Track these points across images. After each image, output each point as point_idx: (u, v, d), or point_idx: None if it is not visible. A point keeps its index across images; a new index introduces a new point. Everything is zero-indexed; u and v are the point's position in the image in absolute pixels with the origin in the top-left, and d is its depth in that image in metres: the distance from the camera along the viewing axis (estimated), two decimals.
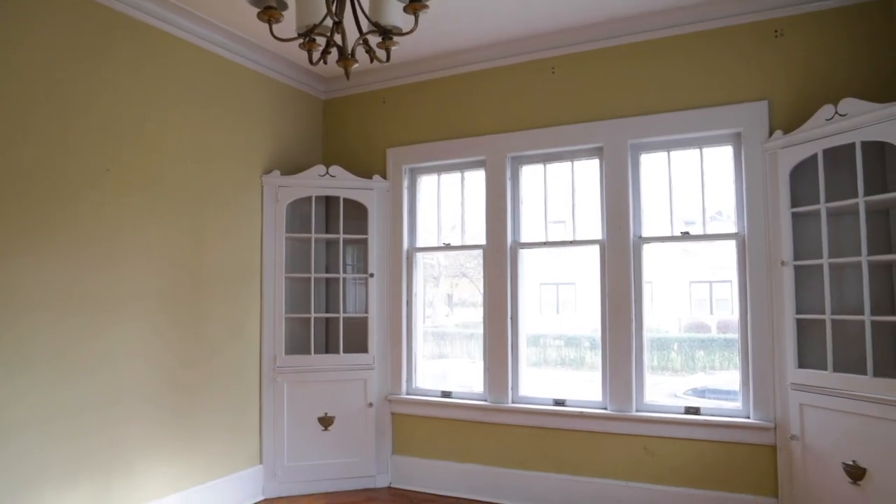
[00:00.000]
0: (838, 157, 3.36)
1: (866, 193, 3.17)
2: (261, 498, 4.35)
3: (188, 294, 3.92)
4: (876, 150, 3.32)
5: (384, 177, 4.84)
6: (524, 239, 4.48)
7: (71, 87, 3.28)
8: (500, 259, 4.42)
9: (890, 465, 2.98)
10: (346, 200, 4.70)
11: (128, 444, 3.49)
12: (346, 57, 2.63)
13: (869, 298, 3.14)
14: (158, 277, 3.72)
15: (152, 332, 3.67)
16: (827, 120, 3.31)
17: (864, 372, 3.14)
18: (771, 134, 3.68)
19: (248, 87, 4.44)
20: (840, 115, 3.24)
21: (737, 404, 3.82)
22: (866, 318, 3.13)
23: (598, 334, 4.19)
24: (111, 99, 3.48)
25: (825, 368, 3.33)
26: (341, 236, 4.66)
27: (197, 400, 3.94)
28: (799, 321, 3.50)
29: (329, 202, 4.97)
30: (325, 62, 2.71)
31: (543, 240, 4.43)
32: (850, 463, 3.15)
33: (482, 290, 4.56)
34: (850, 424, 3.17)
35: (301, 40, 2.57)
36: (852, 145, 3.21)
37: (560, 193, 4.42)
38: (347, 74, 2.64)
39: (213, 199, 4.12)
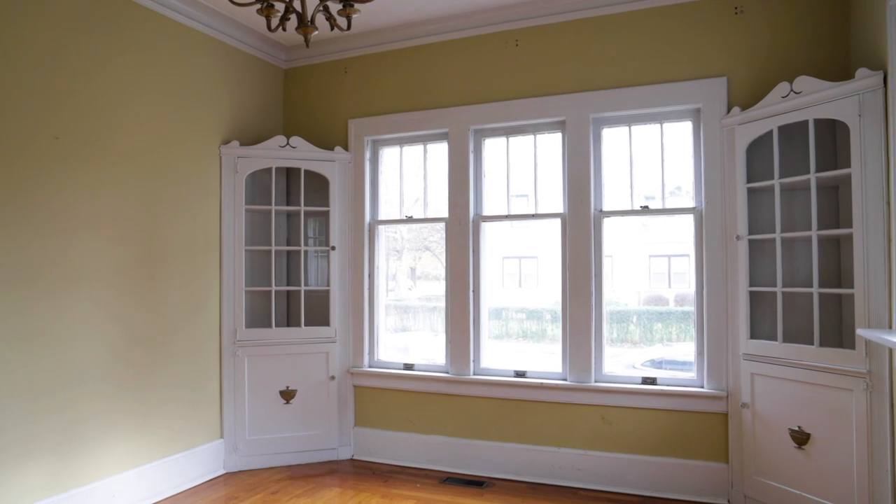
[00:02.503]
0: (793, 133, 3.45)
1: (818, 170, 3.27)
2: (222, 472, 4.33)
3: (144, 268, 3.82)
4: (828, 128, 3.40)
5: (346, 148, 4.78)
6: (487, 212, 4.48)
7: (15, 50, 3.12)
8: (462, 232, 4.43)
9: (832, 430, 3.13)
10: (307, 172, 4.63)
11: (85, 422, 3.41)
12: (305, 24, 2.57)
13: (818, 272, 3.25)
14: (112, 251, 3.61)
15: (107, 308, 3.58)
16: (783, 97, 3.37)
17: (811, 342, 3.27)
18: (729, 110, 3.74)
19: (205, 55, 4.30)
20: (795, 92, 3.31)
21: (692, 374, 3.93)
22: (814, 290, 3.24)
23: (559, 307, 4.24)
24: (59, 64, 3.33)
25: (775, 339, 3.45)
26: (302, 208, 4.60)
27: (154, 375, 3.87)
28: (752, 294, 3.61)
29: (290, 174, 4.89)
30: (285, 29, 2.65)
31: (506, 213, 4.44)
32: (796, 429, 3.29)
33: (445, 264, 4.56)
34: (797, 392, 3.30)
35: (259, 5, 2.50)
36: (806, 122, 3.29)
37: (523, 167, 4.43)
38: (307, 42, 2.58)
39: (169, 169, 4.01)
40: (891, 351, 2.85)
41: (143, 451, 3.78)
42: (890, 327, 2.88)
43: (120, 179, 3.66)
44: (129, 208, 3.72)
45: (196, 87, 4.22)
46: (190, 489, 4.03)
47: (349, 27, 2.64)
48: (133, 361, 3.73)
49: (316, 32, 2.62)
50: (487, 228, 4.51)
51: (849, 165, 3.10)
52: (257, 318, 4.61)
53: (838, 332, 3.41)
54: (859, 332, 2.90)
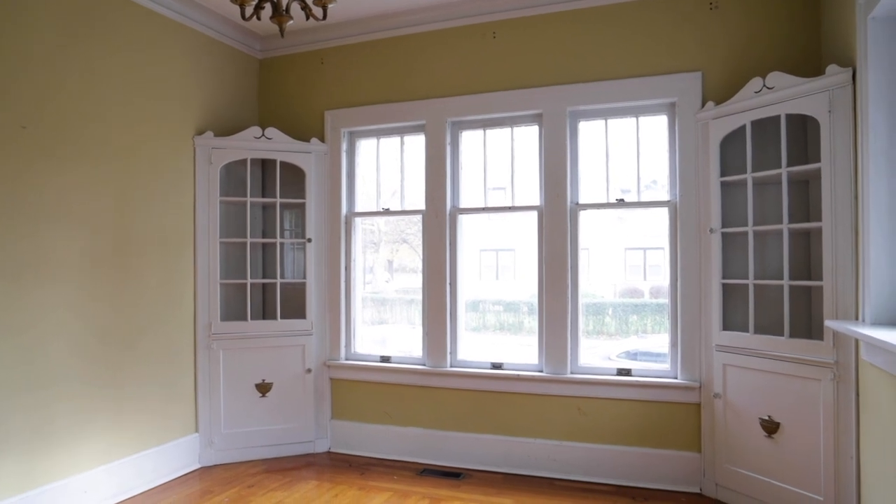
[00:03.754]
0: (765, 128, 3.50)
1: (789, 164, 3.32)
2: (197, 466, 4.29)
3: (116, 260, 3.75)
4: (799, 123, 3.46)
5: (322, 140, 4.74)
6: (464, 205, 4.48)
7: None
8: (439, 224, 4.42)
9: (801, 419, 3.20)
10: (283, 164, 4.58)
11: (56, 419, 3.34)
12: (280, 13, 2.54)
13: (788, 264, 3.31)
14: (82, 243, 3.54)
15: (78, 303, 3.51)
16: (756, 92, 3.42)
17: (781, 333, 3.34)
18: (704, 104, 3.78)
19: (179, 44, 4.22)
20: (768, 87, 3.36)
21: (666, 366, 3.98)
22: (785, 282, 3.31)
23: (536, 300, 4.26)
24: (26, 50, 3.24)
25: (747, 330, 3.51)
26: (278, 200, 4.56)
27: (127, 370, 3.81)
28: (724, 286, 3.67)
29: (265, 165, 4.84)
30: (259, 18, 2.61)
31: (483, 206, 4.45)
32: (766, 418, 3.36)
33: (422, 256, 4.56)
34: (768, 382, 3.37)
35: None
36: (778, 117, 3.34)
37: (500, 160, 4.44)
38: (282, 31, 2.55)
39: (142, 160, 3.93)
40: (856, 342, 2.92)
41: (116, 447, 3.72)
42: (856, 319, 2.95)
43: (89, 169, 3.58)
44: (99, 198, 3.65)
45: (168, 77, 4.14)
46: (164, 484, 3.99)
47: (325, 17, 2.61)
48: (105, 357, 3.67)
49: (291, 22, 2.59)
50: (464, 221, 4.51)
51: (819, 160, 3.15)
52: (232, 310, 4.56)
53: (807, 323, 3.48)
54: (827, 323, 2.97)
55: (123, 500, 3.71)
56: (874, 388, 2.74)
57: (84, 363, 3.54)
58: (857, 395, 2.95)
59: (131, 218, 3.86)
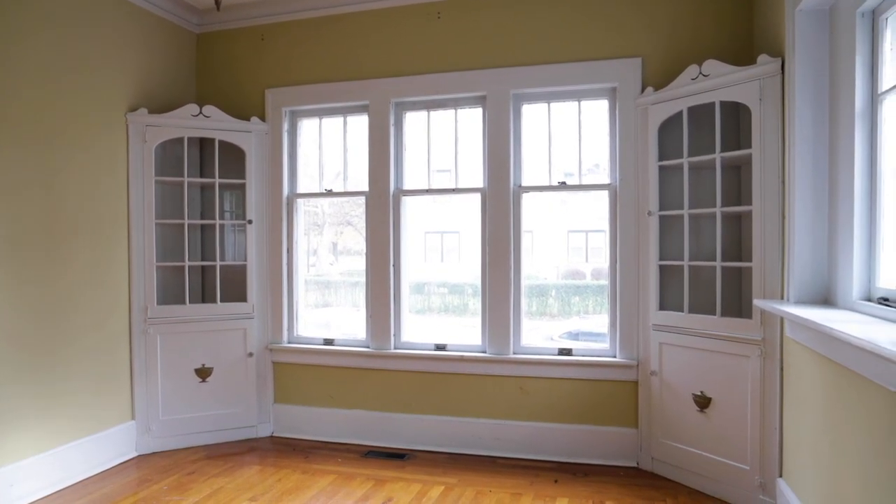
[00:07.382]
0: (701, 114, 3.60)
1: (722, 150, 3.44)
2: (134, 454, 4.16)
3: (42, 244, 3.57)
4: (733, 110, 3.58)
5: (263, 119, 4.62)
6: (408, 186, 4.46)
7: None
8: (382, 206, 4.39)
9: (730, 394, 3.35)
10: (221, 143, 4.44)
11: None
12: None
13: (721, 246, 3.44)
14: (7, 227, 3.34)
15: (4, 288, 3.31)
16: (692, 79, 3.51)
17: (713, 312, 3.47)
18: (643, 90, 3.86)
19: (109, 14, 4.00)
20: (704, 75, 3.46)
21: (605, 345, 4.09)
22: (718, 264, 3.44)
23: (480, 281, 4.30)
24: None
25: (682, 310, 3.64)
26: (217, 181, 4.42)
27: (57, 358, 3.64)
28: (661, 267, 3.79)
29: (203, 144, 4.68)
30: None
31: (427, 187, 4.44)
32: (699, 393, 3.50)
33: (365, 238, 4.52)
34: (700, 359, 3.51)
35: None
36: (713, 104, 3.44)
37: (444, 142, 4.43)
38: (218, 5, 2.47)
39: (69, 137, 3.74)
40: (782, 320, 3.07)
41: (47, 437, 3.57)
42: (782, 298, 3.10)
43: (13, 150, 3.37)
44: (22, 177, 3.44)
45: (97, 50, 3.94)
46: (99, 473, 3.86)
47: None
48: (35, 344, 3.50)
49: None
50: (408, 203, 4.49)
51: (750, 146, 3.27)
52: (170, 294, 4.43)
53: (738, 302, 3.63)
54: (755, 302, 3.11)
55: (55, 492, 3.57)
56: (796, 363, 2.90)
57: (11, 351, 3.37)
58: (782, 369, 3.11)
59: (60, 200, 3.67)
